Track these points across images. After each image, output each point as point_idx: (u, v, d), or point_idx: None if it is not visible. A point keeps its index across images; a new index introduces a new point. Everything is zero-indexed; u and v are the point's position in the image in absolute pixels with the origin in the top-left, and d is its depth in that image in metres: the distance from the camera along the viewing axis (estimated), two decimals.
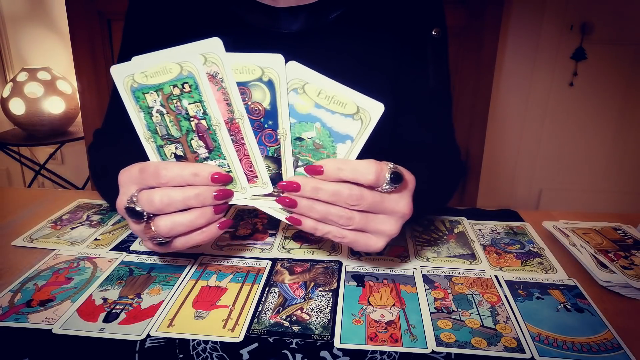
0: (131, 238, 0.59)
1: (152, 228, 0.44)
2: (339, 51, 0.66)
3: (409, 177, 0.46)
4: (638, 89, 2.07)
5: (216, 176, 0.44)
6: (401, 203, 0.46)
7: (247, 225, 0.63)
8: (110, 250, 0.57)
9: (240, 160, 0.46)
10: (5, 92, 1.86)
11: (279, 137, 0.45)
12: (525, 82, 2.10)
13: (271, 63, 0.43)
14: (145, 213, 0.44)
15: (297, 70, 0.44)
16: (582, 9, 1.97)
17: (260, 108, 0.44)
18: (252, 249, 0.57)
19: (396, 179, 0.44)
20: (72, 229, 0.62)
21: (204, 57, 0.43)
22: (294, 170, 0.47)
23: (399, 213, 0.46)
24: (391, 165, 0.44)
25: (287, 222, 0.47)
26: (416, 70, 0.70)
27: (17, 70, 2.02)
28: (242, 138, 0.45)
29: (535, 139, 2.19)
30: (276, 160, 0.46)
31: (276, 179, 0.47)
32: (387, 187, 0.44)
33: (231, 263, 0.54)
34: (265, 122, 0.45)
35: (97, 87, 1.56)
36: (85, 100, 1.60)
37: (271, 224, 0.64)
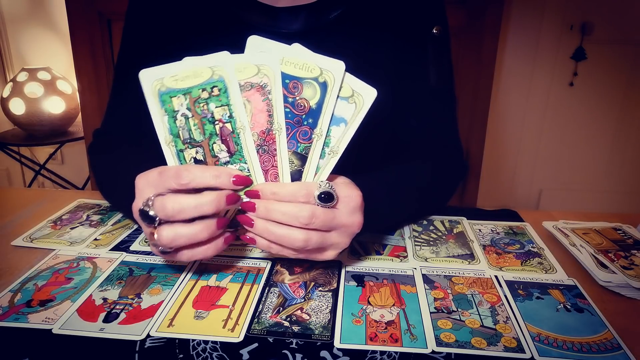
0: (131, 238, 0.59)
1: (155, 236, 0.44)
2: (340, 51, 0.66)
3: (354, 192, 0.47)
4: (638, 89, 2.07)
5: (235, 179, 0.44)
6: (352, 218, 0.47)
7: None
8: (110, 250, 0.57)
9: (266, 171, 0.47)
10: (5, 92, 1.85)
11: (313, 136, 0.46)
12: (525, 82, 2.10)
13: (332, 67, 0.44)
14: (157, 218, 0.44)
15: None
16: (582, 9, 1.97)
17: (306, 105, 0.45)
18: (252, 249, 0.57)
19: (327, 199, 0.45)
20: (71, 229, 0.62)
21: (257, 67, 0.43)
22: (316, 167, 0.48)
23: (351, 228, 0.47)
24: (324, 186, 0.45)
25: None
26: (417, 69, 0.70)
27: (17, 70, 2.02)
28: (275, 149, 0.46)
29: (535, 139, 2.19)
30: (302, 157, 0.47)
31: (295, 175, 0.47)
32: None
33: (231, 263, 0.54)
34: (305, 119, 0.45)
35: (97, 87, 1.56)
36: (85, 100, 1.60)
37: None
